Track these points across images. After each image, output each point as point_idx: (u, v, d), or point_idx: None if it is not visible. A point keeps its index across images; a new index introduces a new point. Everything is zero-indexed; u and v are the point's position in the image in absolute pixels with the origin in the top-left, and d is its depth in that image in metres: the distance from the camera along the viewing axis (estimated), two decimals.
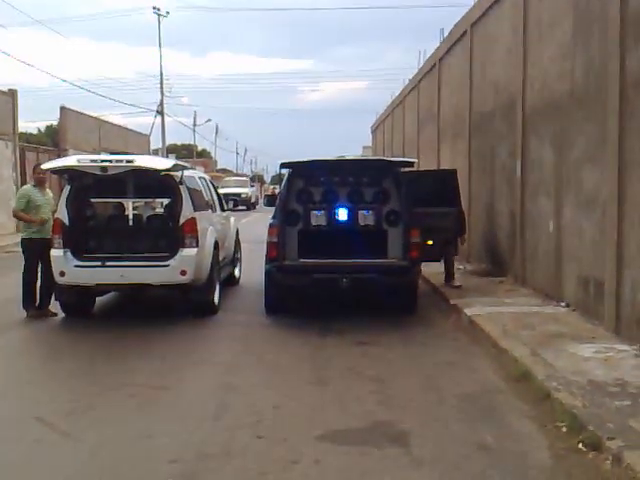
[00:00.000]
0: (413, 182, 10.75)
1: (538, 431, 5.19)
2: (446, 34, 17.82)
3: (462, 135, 15.76)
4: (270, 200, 11.56)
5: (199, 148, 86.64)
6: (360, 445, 4.97)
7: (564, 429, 5.08)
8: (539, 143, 10.67)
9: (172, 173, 9.67)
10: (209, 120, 74.51)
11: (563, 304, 9.42)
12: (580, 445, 4.76)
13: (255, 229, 17.10)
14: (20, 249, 10.26)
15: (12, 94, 27.00)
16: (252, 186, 56.35)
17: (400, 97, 27.76)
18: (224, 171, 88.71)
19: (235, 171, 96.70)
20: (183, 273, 9.24)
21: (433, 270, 12.37)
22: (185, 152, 77.13)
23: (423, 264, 10.30)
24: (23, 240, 10.06)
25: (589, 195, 8.74)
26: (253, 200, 48.46)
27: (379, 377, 6.72)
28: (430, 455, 4.78)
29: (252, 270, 12.62)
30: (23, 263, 9.95)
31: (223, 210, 12.54)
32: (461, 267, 13.86)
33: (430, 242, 10.75)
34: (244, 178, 58.30)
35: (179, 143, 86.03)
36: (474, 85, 14.78)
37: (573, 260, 9.26)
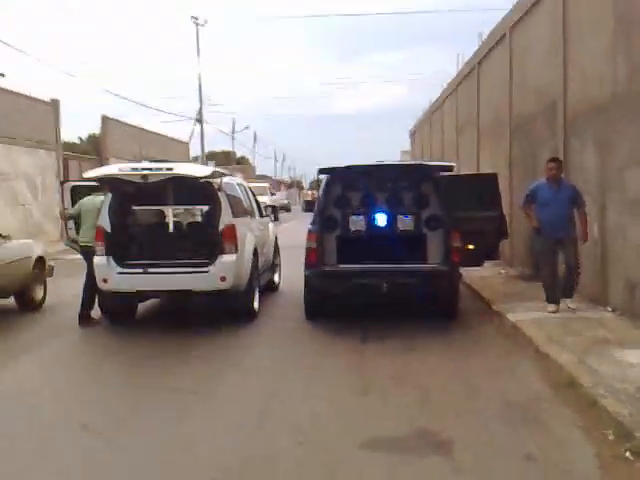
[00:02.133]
0: (453, 186, 10.65)
1: (584, 439, 5.09)
2: (484, 38, 17.69)
3: (502, 138, 15.60)
4: (309, 205, 11.59)
5: (238, 155, 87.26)
6: (402, 453, 4.93)
7: (611, 437, 4.97)
8: (581, 146, 10.50)
9: (211, 180, 9.74)
10: (247, 127, 75.33)
11: (609, 309, 9.25)
12: (627, 453, 4.65)
13: (294, 235, 17.13)
14: (66, 256, 10.39)
15: (54, 104, 27.54)
16: (273, 194, 48.29)
17: (439, 101, 27.63)
18: (263, 177, 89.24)
19: (274, 177, 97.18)
20: (223, 279, 9.29)
21: (475, 274, 12.26)
22: (224, 159, 77.71)
23: (464, 268, 10.19)
24: (82, 247, 10.20)
25: (634, 198, 8.57)
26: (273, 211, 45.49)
27: (421, 384, 6.67)
28: (473, 464, 4.72)
29: (292, 276, 12.63)
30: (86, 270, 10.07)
31: (262, 216, 12.60)
32: (503, 271, 13.71)
33: (471, 246, 10.63)
34: (264, 184, 47.99)
35: (218, 150, 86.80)
36: (514, 88, 14.63)
37: (619, 264, 9.08)
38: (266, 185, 47.99)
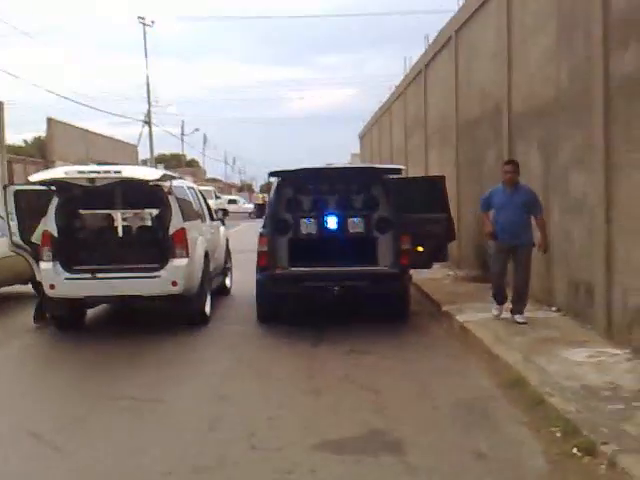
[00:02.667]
0: (402, 189, 10.74)
1: (532, 437, 5.19)
2: (431, 41, 17.90)
3: (449, 141, 15.81)
4: (259, 209, 11.56)
5: (188, 157, 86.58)
6: (355, 454, 4.95)
7: (558, 434, 5.08)
8: (526, 148, 10.71)
9: (161, 183, 9.63)
10: (197, 129, 74.92)
11: (554, 309, 9.44)
12: (575, 450, 4.75)
13: (245, 238, 17.04)
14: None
15: None
16: (218, 197, 48.01)
17: (387, 104, 27.82)
18: (213, 180, 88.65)
19: (224, 180, 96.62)
20: (174, 284, 9.20)
21: (424, 276, 12.38)
22: (174, 162, 76.98)
23: (413, 270, 10.28)
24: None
25: (577, 199, 8.78)
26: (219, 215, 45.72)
27: (373, 385, 6.70)
28: (425, 463, 4.77)
29: (243, 280, 12.58)
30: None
31: (213, 220, 12.51)
32: (451, 273, 13.88)
33: (420, 249, 10.73)
34: (209, 187, 48.03)
35: (167, 153, 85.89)
36: (460, 91, 14.84)
37: (563, 264, 9.29)
38: (211, 189, 47.64)
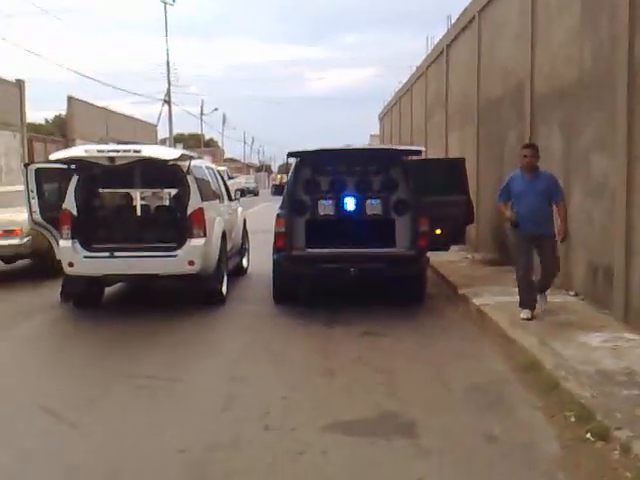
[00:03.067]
0: (421, 171, 10.71)
1: (546, 421, 5.18)
2: (454, 20, 17.72)
3: (470, 122, 15.69)
4: (278, 189, 11.57)
5: (207, 137, 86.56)
6: (367, 436, 4.98)
7: (572, 419, 5.07)
8: (548, 130, 10.60)
9: (179, 163, 9.68)
10: (216, 109, 74.55)
11: (572, 293, 9.39)
12: (588, 435, 4.75)
13: (263, 219, 17.10)
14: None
15: (19, 85, 27.06)
16: (231, 177, 46.73)
17: (408, 84, 27.64)
18: (232, 160, 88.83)
19: (243, 160, 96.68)
20: (191, 263, 9.27)
21: (441, 259, 12.37)
22: (192, 141, 77.08)
23: (431, 253, 10.27)
24: None
25: (598, 182, 8.69)
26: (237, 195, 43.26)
27: (387, 368, 6.73)
28: (438, 446, 4.78)
29: (261, 260, 12.64)
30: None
31: (231, 200, 12.56)
32: (469, 256, 13.84)
33: (438, 231, 10.72)
34: (222, 167, 44.18)
35: (186, 132, 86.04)
36: (482, 71, 14.69)
37: (582, 248, 9.22)
38: (223, 169, 47.09)
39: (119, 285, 11.03)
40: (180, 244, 9.35)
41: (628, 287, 7.66)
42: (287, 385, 6.24)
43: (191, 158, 10.21)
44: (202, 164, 11.38)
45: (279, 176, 53.66)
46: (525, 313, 8.11)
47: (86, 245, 9.40)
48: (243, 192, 13.55)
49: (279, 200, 10.40)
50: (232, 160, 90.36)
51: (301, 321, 8.96)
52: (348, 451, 4.72)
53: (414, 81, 25.76)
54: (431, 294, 10.34)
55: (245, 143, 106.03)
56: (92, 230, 9.82)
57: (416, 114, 25.54)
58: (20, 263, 13.35)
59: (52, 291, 10.50)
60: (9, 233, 11.99)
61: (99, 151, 9.42)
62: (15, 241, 11.97)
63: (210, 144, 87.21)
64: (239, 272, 12.53)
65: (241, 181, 48.49)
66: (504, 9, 13.07)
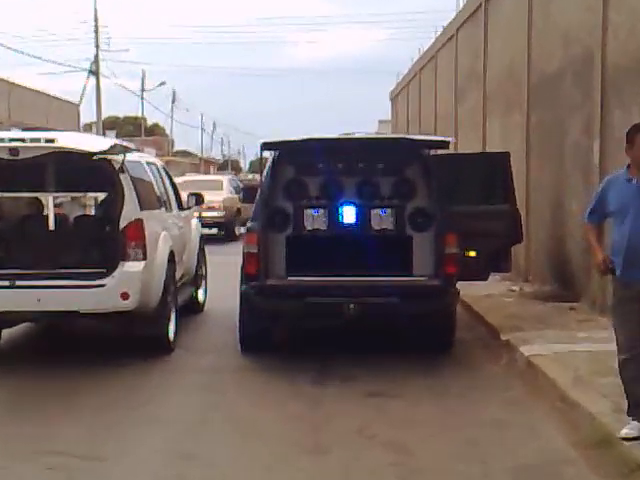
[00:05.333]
0: (449, 170, 10.75)
1: None
2: None
3: (517, 106, 15.79)
4: (248, 194, 11.57)
5: (149, 122, 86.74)
6: None
7: None
8: (626, 115, 10.69)
9: (110, 157, 9.67)
10: (163, 83, 74.69)
11: None
12: None
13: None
14: None
15: None
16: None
17: (431, 52, 27.82)
18: (185, 154, 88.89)
19: (200, 154, 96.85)
20: (124, 296, 9.23)
21: (476, 292, 12.40)
22: (130, 127, 77.23)
23: (462, 283, 10.29)
24: None
25: None
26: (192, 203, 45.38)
27: (400, 443, 6.72)
28: None
29: (223, 292, 12.62)
30: None
31: (182, 209, 12.58)
32: (515, 288, 13.88)
33: (473, 253, 10.74)
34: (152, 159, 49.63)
35: (121, 115, 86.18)
36: (534, 35, 14.81)
37: None
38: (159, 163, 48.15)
39: (24, 326, 10.98)
40: (110, 269, 9.31)
41: None
42: (259, 468, 6.22)
43: (126, 151, 10.20)
44: (142, 159, 11.38)
45: (251, 176, 53.39)
46: (632, 428, 6.39)
47: None
48: (200, 197, 13.55)
49: (250, 209, 10.43)
50: (185, 153, 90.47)
51: (279, 378, 8.93)
52: None
53: (439, 48, 25.93)
54: (462, 340, 10.36)
55: (203, 130, 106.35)
56: None
57: (442, 94, 25.69)
58: None
59: None
60: None
61: None
62: None
63: (154, 131, 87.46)
64: (193, 309, 12.51)
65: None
66: None
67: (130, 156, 10.26)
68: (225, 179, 30.87)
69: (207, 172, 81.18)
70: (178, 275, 10.96)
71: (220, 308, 12.56)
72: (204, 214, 22.02)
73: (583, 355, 8.93)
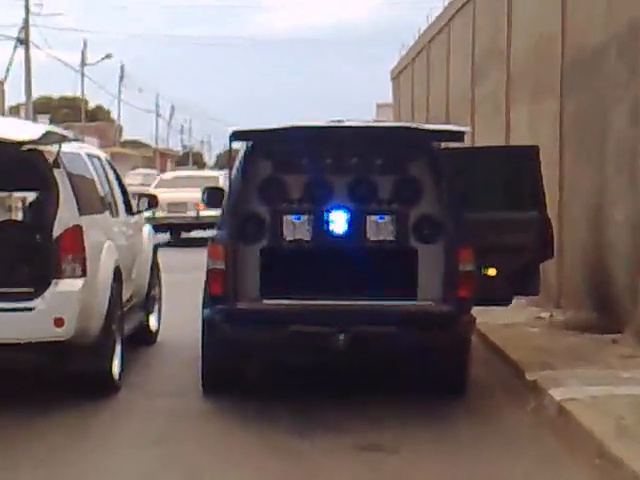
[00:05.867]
0: (464, 168, 10.77)
1: None
2: None
3: (549, 89, 15.81)
4: (213, 196, 11.54)
5: (91, 105, 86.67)
6: None
7: None
8: None
9: (42, 148, 9.66)
10: (108, 56, 74.64)
11: None
12: None
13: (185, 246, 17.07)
14: None
15: None
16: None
17: (442, 21, 27.87)
18: (135, 144, 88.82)
19: (154, 145, 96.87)
20: (58, 323, 9.20)
21: (495, 319, 12.40)
22: (67, 111, 77.18)
23: (478, 309, 10.30)
24: None
25: None
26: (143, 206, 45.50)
27: None
28: None
29: (180, 318, 12.60)
30: None
31: (131, 213, 12.57)
32: (544, 315, 13.89)
33: (492, 271, 10.76)
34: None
35: (56, 95, 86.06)
36: (570, 2, 14.84)
37: None
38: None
39: None
40: (40, 289, 9.30)
41: None
42: None
43: (63, 140, 10.19)
44: (82, 150, 11.36)
45: (216, 173, 53.31)
46: None
47: None
48: (153, 199, 13.55)
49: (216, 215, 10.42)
50: (136, 144, 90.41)
51: (251, 426, 8.91)
52: None
53: (453, 16, 25.97)
54: (477, 380, 10.38)
55: (159, 116, 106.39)
56: None
57: (456, 73, 25.72)
58: None
59: None
60: None
61: None
62: None
63: (97, 116, 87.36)
64: (144, 338, 12.52)
65: (137, 176, 48.05)
66: None
67: (67, 147, 10.25)
68: (221, 176, 30.63)
69: (163, 167, 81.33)
70: (125, 297, 10.96)
71: (178, 338, 12.56)
72: (202, 214, 22.47)
73: (627, 400, 8.94)
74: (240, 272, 9.84)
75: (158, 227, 33.96)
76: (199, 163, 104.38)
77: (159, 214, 31.31)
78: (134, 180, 44.05)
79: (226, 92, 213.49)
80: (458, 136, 10.82)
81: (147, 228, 13.46)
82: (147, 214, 33.26)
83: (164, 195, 25.67)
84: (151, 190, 37.42)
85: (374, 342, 9.54)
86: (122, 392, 10.11)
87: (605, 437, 7.80)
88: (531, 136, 16.32)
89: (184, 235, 32.22)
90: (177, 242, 30.74)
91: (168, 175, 41.42)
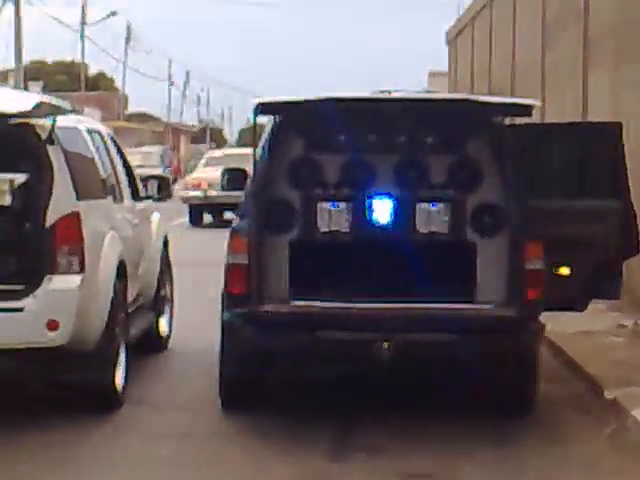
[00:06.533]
0: (532, 148, 10.76)
1: None
2: None
3: (636, 53, 15.77)
4: (235, 179, 11.59)
5: (92, 71, 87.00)
6: None
7: None
8: None
9: (34, 122, 9.74)
10: (113, 14, 74.86)
11: None
12: None
13: (201, 239, 17.15)
14: None
15: None
16: None
17: None
18: (143, 117, 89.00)
19: (167, 118, 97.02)
20: (52, 326, 9.26)
21: (567, 326, 12.39)
22: (64, 77, 77.55)
23: (548, 314, 10.30)
24: None
25: None
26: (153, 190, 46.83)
27: None
28: None
29: (195, 321, 12.65)
30: None
31: (138, 199, 12.69)
32: (628, 323, 13.85)
33: (565, 270, 10.75)
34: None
35: (51, 60, 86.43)
36: None
37: None
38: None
39: None
40: (31, 286, 9.39)
41: None
42: None
43: (58, 112, 10.26)
44: (81, 125, 11.42)
45: (234, 151, 53.21)
46: None
47: None
48: (164, 181, 13.62)
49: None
50: (145, 117, 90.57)
51: (278, 448, 8.97)
52: None
53: None
54: (547, 397, 10.38)
55: (172, 84, 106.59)
56: None
57: (523, 35, 25.68)
58: None
59: None
60: None
61: None
62: None
63: (99, 84, 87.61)
64: (152, 344, 12.62)
65: (134, 155, 48.42)
66: None
67: (63, 120, 10.32)
68: None
69: (176, 143, 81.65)
70: (131, 296, 11.04)
71: (192, 344, 12.60)
72: None
73: None
74: (266, 268, 9.88)
75: (212, 207, 35.35)
76: (218, 140, 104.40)
77: (211, 193, 32.25)
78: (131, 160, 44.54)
79: (250, 57, 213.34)
80: (525, 110, 10.81)
81: (156, 216, 13.54)
82: (198, 193, 34.12)
83: (215, 174, 25.84)
84: (199, 168, 39.66)
85: (425, 351, 9.58)
86: (126, 407, 10.18)
87: None
88: (613, 110, 16.28)
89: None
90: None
91: (217, 152, 43.87)
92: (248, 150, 41.35)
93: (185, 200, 36.72)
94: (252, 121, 11.00)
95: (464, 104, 11.11)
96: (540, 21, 23.07)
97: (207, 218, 36.28)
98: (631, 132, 12.68)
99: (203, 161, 40.74)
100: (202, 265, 15.57)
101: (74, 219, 9.58)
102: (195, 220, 35.43)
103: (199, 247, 24.45)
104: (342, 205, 10.26)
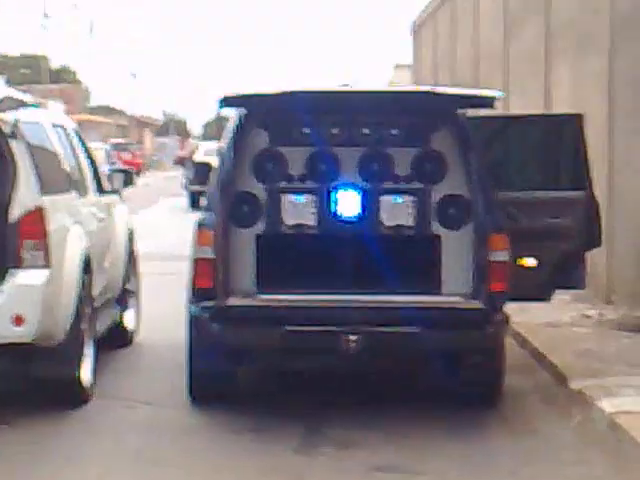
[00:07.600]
0: (495, 140, 10.77)
1: None
2: None
3: (596, 44, 15.80)
4: (201, 173, 11.58)
5: (55, 64, 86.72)
6: None
7: None
8: None
9: None
10: (74, 6, 74.56)
11: None
12: None
13: (167, 231, 17.11)
14: None
15: None
16: None
17: None
18: (107, 111, 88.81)
19: (129, 112, 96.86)
20: (18, 321, 9.23)
21: (533, 317, 12.40)
22: (27, 71, 77.26)
23: (513, 306, 10.30)
24: None
25: None
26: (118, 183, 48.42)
27: None
28: None
29: (161, 316, 12.61)
30: None
31: (103, 192, 12.61)
32: (591, 313, 13.89)
33: (530, 261, 10.77)
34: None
35: (14, 54, 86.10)
36: None
37: None
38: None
39: None
40: None
41: None
42: None
43: (20, 105, 10.20)
44: (44, 119, 11.37)
45: (197, 145, 53.28)
46: None
47: None
48: (129, 175, 13.57)
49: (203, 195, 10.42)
50: (108, 110, 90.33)
51: (247, 442, 8.96)
52: None
53: None
54: (513, 389, 10.42)
55: (135, 77, 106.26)
56: None
57: (486, 26, 25.70)
58: None
59: None
60: None
61: None
62: None
63: (62, 77, 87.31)
64: (118, 339, 12.57)
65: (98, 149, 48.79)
66: None
67: (27, 114, 10.27)
68: None
69: (141, 137, 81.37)
70: (97, 290, 10.98)
71: (159, 338, 12.57)
72: None
73: None
74: (232, 262, 9.86)
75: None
76: (183, 133, 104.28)
77: None
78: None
79: (216, 51, 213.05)
80: (488, 102, 10.83)
81: (122, 208, 13.45)
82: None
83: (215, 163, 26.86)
84: (198, 158, 42.07)
85: (392, 344, 9.57)
86: (94, 401, 10.13)
87: None
88: (575, 101, 16.31)
89: None
90: None
91: (212, 144, 46.22)
92: None
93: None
94: (217, 114, 10.96)
95: (427, 96, 11.09)
96: (502, 12, 23.10)
97: None
98: (592, 123, 12.69)
99: (202, 151, 43.14)
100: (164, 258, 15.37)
101: (39, 214, 9.52)
102: (195, 204, 36.75)
103: None
104: (307, 198, 10.25)
